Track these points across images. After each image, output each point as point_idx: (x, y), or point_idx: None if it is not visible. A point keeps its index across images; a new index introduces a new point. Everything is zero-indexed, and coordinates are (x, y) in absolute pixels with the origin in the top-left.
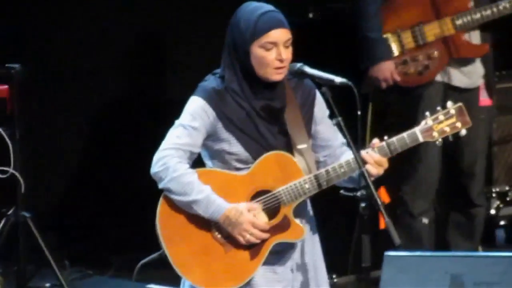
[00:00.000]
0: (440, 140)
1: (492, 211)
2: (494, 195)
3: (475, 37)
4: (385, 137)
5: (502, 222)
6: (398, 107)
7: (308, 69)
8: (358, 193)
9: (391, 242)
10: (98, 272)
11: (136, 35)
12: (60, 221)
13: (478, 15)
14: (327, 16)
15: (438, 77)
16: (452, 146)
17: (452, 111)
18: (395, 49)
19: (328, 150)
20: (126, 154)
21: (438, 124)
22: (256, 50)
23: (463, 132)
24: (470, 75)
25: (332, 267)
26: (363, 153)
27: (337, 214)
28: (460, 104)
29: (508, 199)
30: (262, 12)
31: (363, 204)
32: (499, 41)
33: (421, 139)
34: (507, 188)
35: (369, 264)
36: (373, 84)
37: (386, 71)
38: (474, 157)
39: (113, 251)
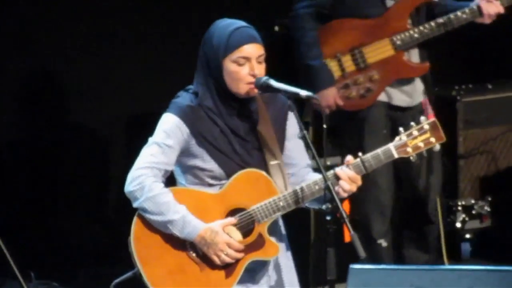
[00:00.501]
0: (414, 155)
1: (458, 225)
2: (459, 208)
3: (414, 56)
4: (360, 154)
5: (467, 236)
6: (344, 130)
7: (274, 83)
8: (324, 206)
9: (355, 255)
10: (64, 284)
11: None
12: (25, 233)
13: (417, 34)
14: None
15: (380, 98)
16: (404, 163)
17: (426, 126)
18: (336, 74)
19: (293, 168)
20: (94, 166)
21: (412, 140)
22: (229, 65)
23: (437, 147)
24: (410, 94)
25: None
26: (338, 169)
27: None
28: (433, 119)
29: (473, 212)
30: (235, 28)
31: (328, 217)
32: (465, 56)
33: (395, 155)
34: (472, 201)
35: (334, 277)
36: (314, 110)
37: (329, 98)
38: (427, 174)
39: (79, 263)
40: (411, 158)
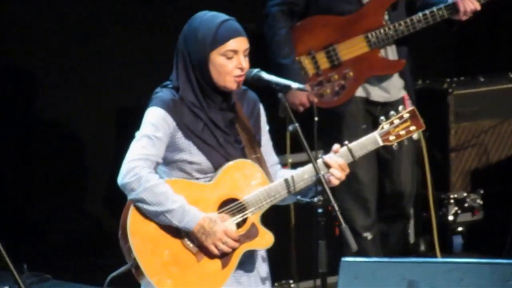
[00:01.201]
0: (395, 144)
1: (450, 218)
2: (451, 201)
3: (391, 52)
4: (346, 142)
5: (459, 229)
6: (322, 126)
7: (265, 75)
8: (315, 199)
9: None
10: (56, 276)
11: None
12: (17, 224)
13: (392, 31)
14: None
15: (358, 93)
16: (384, 158)
17: (406, 115)
18: (310, 71)
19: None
20: (85, 158)
21: (394, 128)
22: (217, 58)
23: (415, 136)
24: (388, 89)
25: (287, 273)
26: (326, 158)
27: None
28: (413, 107)
29: (465, 205)
30: (222, 20)
31: (319, 210)
32: (456, 48)
33: (380, 143)
34: (464, 194)
35: (326, 270)
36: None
37: (301, 96)
38: (403, 168)
39: (71, 255)
40: (393, 146)
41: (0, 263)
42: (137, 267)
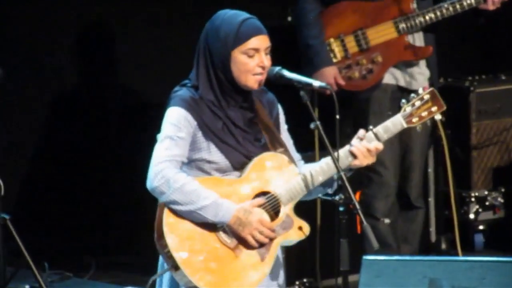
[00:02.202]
0: (419, 125)
1: (471, 216)
2: (472, 199)
3: (418, 39)
4: (370, 127)
5: (480, 227)
6: (348, 112)
7: (287, 73)
8: (337, 197)
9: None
10: (77, 274)
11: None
12: (39, 223)
13: (421, 18)
14: None
15: (386, 79)
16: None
17: (427, 96)
18: (338, 54)
19: None
20: (106, 156)
21: (417, 110)
22: (238, 57)
23: (438, 116)
24: (416, 77)
25: (309, 270)
26: (352, 148)
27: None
28: (432, 88)
29: (487, 203)
30: (244, 19)
31: (341, 208)
32: (478, 46)
33: (405, 125)
34: (486, 192)
35: (348, 268)
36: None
37: (329, 76)
38: (415, 158)
39: (92, 253)
40: (417, 128)
41: (21, 261)
42: (176, 267)
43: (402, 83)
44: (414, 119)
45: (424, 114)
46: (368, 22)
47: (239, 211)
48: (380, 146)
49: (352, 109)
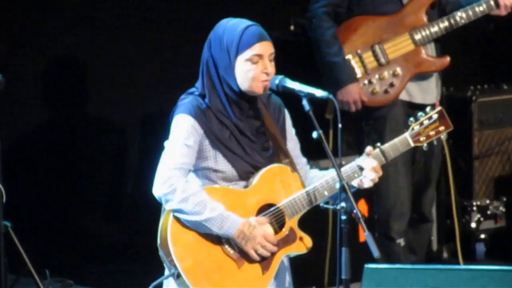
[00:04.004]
0: (425, 144)
1: (473, 225)
2: (474, 208)
3: (431, 50)
4: (378, 144)
5: (482, 236)
6: (363, 129)
7: (289, 82)
8: (339, 206)
9: (370, 255)
10: (79, 281)
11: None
12: (40, 230)
13: (435, 28)
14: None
15: (401, 96)
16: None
17: (435, 116)
18: (358, 70)
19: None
20: (108, 163)
21: (424, 129)
22: (242, 64)
23: (444, 136)
24: (429, 91)
25: (310, 279)
26: (360, 161)
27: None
28: (440, 108)
29: (488, 212)
30: (246, 26)
31: (343, 217)
32: (480, 56)
33: (412, 144)
34: (487, 201)
35: (349, 277)
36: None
37: (355, 93)
38: (428, 173)
39: (94, 260)
40: (424, 147)
41: (22, 269)
42: (179, 275)
43: (416, 99)
44: (422, 138)
45: (432, 133)
46: (384, 36)
47: (244, 225)
48: (378, 167)
49: (367, 126)
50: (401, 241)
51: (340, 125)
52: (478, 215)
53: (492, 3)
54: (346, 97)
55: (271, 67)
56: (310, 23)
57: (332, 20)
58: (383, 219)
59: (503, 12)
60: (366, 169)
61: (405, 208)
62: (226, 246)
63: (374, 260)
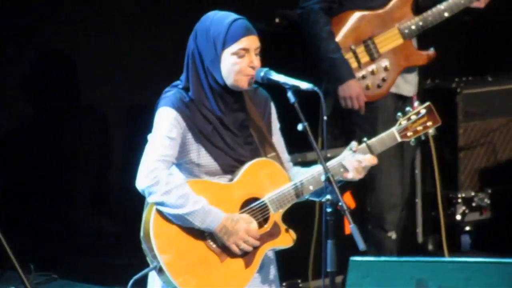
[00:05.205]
0: (413, 139)
1: (458, 217)
2: (459, 200)
3: (414, 44)
4: (364, 139)
5: (467, 228)
6: (354, 120)
7: (274, 75)
8: (324, 199)
9: (355, 247)
10: (64, 276)
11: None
12: (25, 224)
13: (421, 22)
14: (294, 21)
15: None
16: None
17: (423, 111)
18: (352, 65)
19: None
20: (92, 157)
21: (412, 124)
22: (228, 58)
23: (432, 130)
24: (410, 82)
25: (295, 272)
26: (344, 162)
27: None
28: (428, 103)
29: (473, 204)
30: (234, 19)
31: (329, 209)
32: (465, 48)
33: (399, 139)
34: (472, 193)
35: (335, 269)
36: (342, 105)
37: (357, 88)
38: (405, 162)
39: (79, 254)
40: (411, 142)
41: (7, 263)
42: (161, 269)
43: (403, 91)
44: (409, 133)
45: (419, 128)
46: (375, 30)
47: (227, 219)
48: (374, 160)
49: (358, 117)
50: (392, 234)
51: (325, 118)
52: (463, 207)
53: None
54: (349, 93)
55: (257, 61)
56: (306, 18)
57: (327, 16)
58: (376, 211)
59: (482, 4)
60: (350, 171)
61: (398, 200)
62: (209, 240)
63: (359, 253)
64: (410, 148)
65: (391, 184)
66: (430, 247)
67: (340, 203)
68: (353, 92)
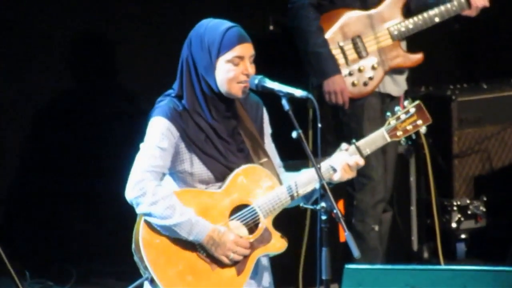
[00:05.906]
0: (403, 139)
1: (453, 225)
2: (454, 208)
3: (403, 47)
4: (353, 140)
5: (462, 236)
6: (341, 117)
7: (269, 82)
8: (319, 206)
9: (350, 255)
10: (59, 282)
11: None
12: (20, 231)
13: (411, 25)
14: (288, 28)
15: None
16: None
17: (412, 110)
18: (340, 62)
19: None
20: (88, 165)
21: (401, 123)
22: (223, 65)
23: (423, 129)
24: (398, 83)
25: (285, 280)
26: (333, 162)
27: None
28: (418, 102)
29: (468, 212)
30: (228, 27)
31: (323, 217)
32: (459, 55)
33: (388, 139)
34: (467, 201)
35: (329, 277)
36: (326, 99)
37: (342, 83)
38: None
39: (74, 261)
40: (401, 141)
41: (2, 270)
42: (152, 279)
43: (388, 89)
44: (398, 133)
45: (409, 127)
46: (364, 29)
47: (214, 230)
48: (360, 161)
49: (344, 115)
50: (375, 227)
51: (319, 125)
52: (459, 215)
53: (464, 3)
54: (333, 88)
55: (251, 69)
56: (295, 13)
57: (316, 11)
58: (362, 206)
59: (473, 13)
60: (338, 170)
61: (383, 196)
62: (199, 249)
63: (354, 260)
64: (393, 143)
65: (379, 180)
66: (425, 255)
67: (335, 211)
68: (337, 87)
